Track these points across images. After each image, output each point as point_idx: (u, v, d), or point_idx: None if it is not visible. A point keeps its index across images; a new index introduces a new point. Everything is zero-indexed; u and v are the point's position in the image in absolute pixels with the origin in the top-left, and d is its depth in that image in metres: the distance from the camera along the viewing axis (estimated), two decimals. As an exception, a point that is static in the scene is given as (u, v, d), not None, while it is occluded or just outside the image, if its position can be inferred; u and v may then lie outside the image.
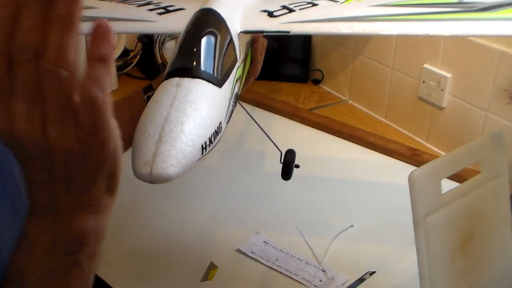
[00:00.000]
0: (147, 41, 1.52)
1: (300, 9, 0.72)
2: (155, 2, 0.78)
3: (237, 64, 0.66)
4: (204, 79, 0.57)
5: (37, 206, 0.43)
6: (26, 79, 0.37)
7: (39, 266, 0.43)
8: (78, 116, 0.38)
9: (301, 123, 1.28)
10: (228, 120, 0.63)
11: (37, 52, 0.37)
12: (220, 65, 0.60)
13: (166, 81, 0.57)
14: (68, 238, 0.43)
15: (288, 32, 0.67)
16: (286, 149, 0.78)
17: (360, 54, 1.38)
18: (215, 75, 0.59)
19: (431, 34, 0.66)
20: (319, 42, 1.51)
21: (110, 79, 0.39)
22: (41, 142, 0.39)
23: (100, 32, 0.39)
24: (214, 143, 0.56)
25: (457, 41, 1.12)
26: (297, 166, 0.79)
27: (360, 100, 1.42)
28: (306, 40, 1.51)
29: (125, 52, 1.59)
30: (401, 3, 0.71)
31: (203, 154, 0.54)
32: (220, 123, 0.58)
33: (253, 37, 0.75)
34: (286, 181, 0.79)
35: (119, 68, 1.58)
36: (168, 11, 0.75)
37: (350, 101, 1.45)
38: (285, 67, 1.55)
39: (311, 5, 0.73)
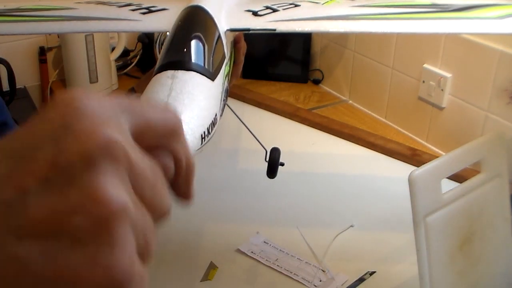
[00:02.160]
0: (147, 41, 1.52)
1: (283, 9, 0.74)
2: (135, 3, 0.79)
3: (225, 61, 0.67)
4: (197, 72, 0.58)
5: None
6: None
7: None
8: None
9: (301, 123, 1.28)
10: (221, 114, 0.63)
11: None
12: (211, 59, 0.61)
13: (159, 74, 0.57)
14: None
15: (275, 30, 0.68)
16: (271, 147, 0.79)
17: (360, 54, 1.38)
18: (208, 68, 0.60)
19: (413, 31, 0.70)
20: (319, 42, 1.51)
21: None
22: None
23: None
24: (211, 134, 0.57)
25: (457, 41, 1.12)
26: (282, 164, 0.80)
27: (360, 100, 1.42)
28: (306, 40, 1.51)
29: (125, 52, 1.59)
30: (378, 4, 0.74)
31: (202, 144, 0.55)
32: (216, 114, 0.59)
33: (236, 37, 0.76)
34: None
35: (119, 68, 1.58)
36: (151, 11, 0.76)
37: (350, 101, 1.45)
38: (285, 67, 1.55)
39: (293, 5, 0.75)
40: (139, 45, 1.58)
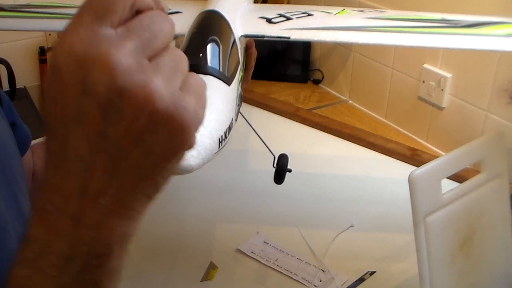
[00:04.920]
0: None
1: (297, 18, 0.74)
2: None
3: (240, 66, 0.67)
4: (215, 76, 0.58)
5: (52, 198, 0.32)
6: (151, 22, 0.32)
7: (46, 282, 0.33)
8: (185, 80, 0.33)
9: (301, 123, 1.28)
10: (236, 119, 0.64)
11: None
12: (227, 64, 0.61)
13: None
14: (90, 247, 0.32)
15: (289, 37, 0.69)
16: (279, 153, 0.79)
17: (360, 54, 1.38)
18: (224, 72, 0.60)
19: (424, 45, 0.70)
20: (319, 43, 1.51)
21: None
22: (140, 92, 0.30)
23: None
24: (228, 138, 0.57)
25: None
26: (290, 171, 0.80)
27: (360, 100, 1.42)
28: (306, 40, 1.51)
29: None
30: (390, 17, 0.74)
31: (220, 148, 0.55)
32: (232, 119, 0.59)
33: (248, 43, 0.77)
34: (286, 181, 0.80)
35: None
36: None
37: (350, 101, 1.45)
38: (285, 67, 1.55)
39: (306, 14, 0.76)
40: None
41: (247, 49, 0.77)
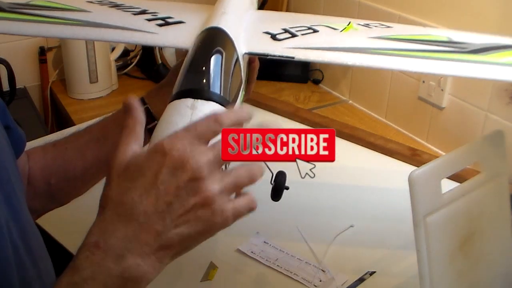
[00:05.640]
0: (147, 41, 1.52)
1: (302, 35, 0.72)
2: (151, 11, 0.76)
3: (242, 86, 0.65)
4: (217, 102, 0.56)
5: (104, 236, 0.45)
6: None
7: None
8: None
9: (301, 123, 1.28)
10: None
11: None
12: (229, 87, 0.60)
13: (177, 101, 0.55)
14: (125, 282, 0.45)
15: (293, 57, 0.67)
16: (277, 171, 0.78)
17: (360, 54, 1.38)
18: (227, 98, 0.58)
19: (430, 72, 0.68)
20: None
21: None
22: (201, 182, 0.46)
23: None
24: (229, 164, 0.55)
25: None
26: (287, 188, 0.79)
27: (360, 100, 1.42)
28: (306, 40, 1.51)
29: (125, 52, 1.59)
30: (395, 37, 0.73)
31: None
32: None
33: (251, 57, 0.75)
34: (281, 198, 0.79)
35: (119, 68, 1.58)
36: (168, 23, 0.73)
37: (350, 101, 1.45)
38: (285, 67, 1.55)
39: (312, 31, 0.74)
40: (139, 45, 1.58)
41: (250, 63, 0.75)
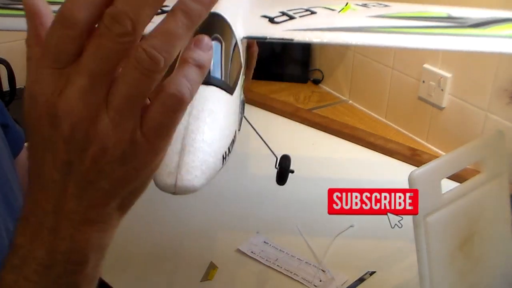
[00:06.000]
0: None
1: (300, 17, 0.72)
2: None
3: (242, 70, 0.65)
4: (218, 86, 0.56)
5: (33, 211, 0.35)
6: (104, 53, 0.31)
7: (29, 287, 0.36)
8: (145, 114, 0.33)
9: (301, 123, 1.28)
10: (240, 128, 0.62)
11: (136, 30, 0.31)
12: (229, 71, 0.60)
13: None
14: (67, 256, 0.36)
15: (292, 40, 0.67)
16: (281, 154, 0.78)
17: (360, 54, 1.38)
18: (227, 82, 0.58)
19: (430, 48, 0.68)
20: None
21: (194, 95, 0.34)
22: (85, 129, 0.32)
23: (202, 44, 0.35)
24: (231, 152, 0.55)
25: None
26: (292, 171, 0.79)
27: (360, 100, 1.42)
28: (306, 40, 1.51)
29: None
30: (394, 15, 0.72)
31: (223, 164, 0.54)
32: (235, 131, 0.58)
33: (249, 42, 0.75)
34: (286, 182, 0.79)
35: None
36: (163, 12, 0.74)
37: (350, 101, 1.45)
38: (285, 67, 1.55)
39: (309, 12, 0.73)
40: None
41: (248, 48, 0.75)
